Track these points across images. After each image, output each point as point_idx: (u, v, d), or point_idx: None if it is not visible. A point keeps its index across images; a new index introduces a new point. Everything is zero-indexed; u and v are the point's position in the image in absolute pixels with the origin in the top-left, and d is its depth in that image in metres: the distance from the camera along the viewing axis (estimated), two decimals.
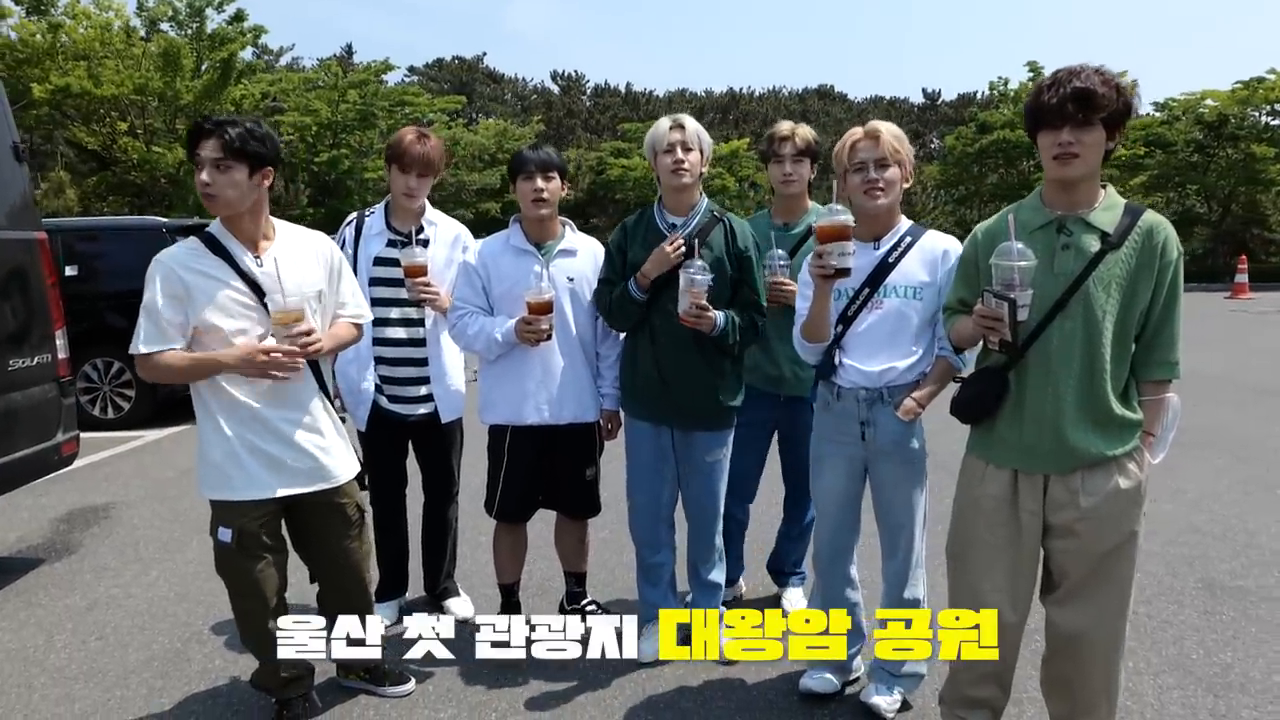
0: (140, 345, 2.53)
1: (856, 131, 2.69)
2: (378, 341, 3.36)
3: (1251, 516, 4.72)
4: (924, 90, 57.73)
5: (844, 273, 2.53)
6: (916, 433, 2.71)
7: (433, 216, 3.49)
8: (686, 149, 2.98)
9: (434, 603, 3.70)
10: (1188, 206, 28.93)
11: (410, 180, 3.31)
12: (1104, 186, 2.26)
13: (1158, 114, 28.84)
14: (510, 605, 3.40)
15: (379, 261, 3.35)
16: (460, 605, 3.66)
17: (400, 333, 3.38)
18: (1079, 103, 2.09)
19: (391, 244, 3.37)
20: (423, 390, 3.41)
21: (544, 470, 3.27)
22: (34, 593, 4.00)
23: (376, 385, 3.38)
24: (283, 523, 2.76)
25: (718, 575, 3.26)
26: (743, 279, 3.05)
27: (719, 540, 3.25)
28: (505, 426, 3.20)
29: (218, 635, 3.48)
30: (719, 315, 2.92)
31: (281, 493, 2.65)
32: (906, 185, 2.71)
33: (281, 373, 2.55)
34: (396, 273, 3.30)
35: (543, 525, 3.49)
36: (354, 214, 3.53)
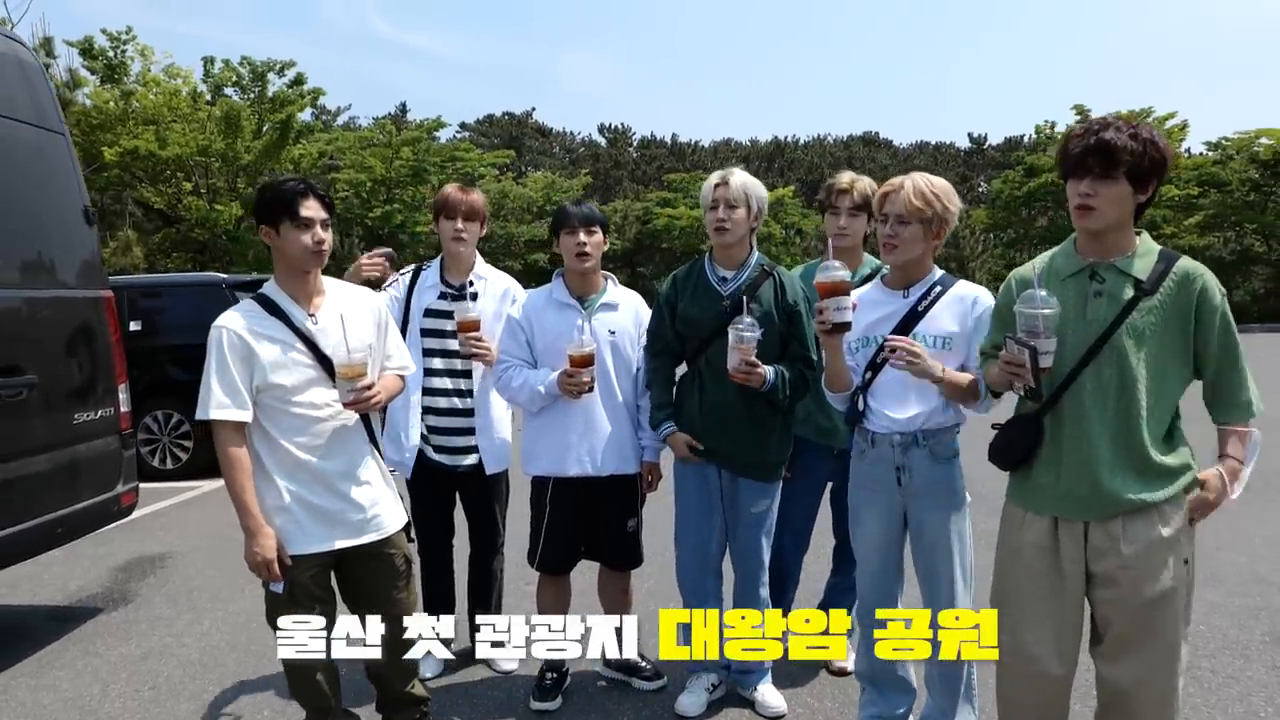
0: (212, 411, 2.56)
1: (891, 183, 2.69)
2: (426, 392, 3.43)
3: None
4: (969, 135, 57.55)
5: (843, 327, 2.56)
6: (954, 476, 2.67)
7: (482, 271, 3.57)
8: (731, 206, 3.01)
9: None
10: (1246, 245, 28.30)
11: (457, 223, 3.41)
12: (1139, 234, 2.24)
13: (1210, 153, 28.37)
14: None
15: (430, 313, 3.45)
16: (504, 658, 3.65)
17: (448, 383, 3.45)
18: (1098, 155, 2.09)
19: (443, 296, 3.46)
20: (468, 441, 3.46)
21: (586, 521, 3.28)
22: (92, 641, 4.10)
23: (423, 435, 3.44)
24: (331, 574, 2.81)
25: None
26: (792, 333, 3.06)
27: (764, 592, 3.22)
28: (547, 478, 3.23)
29: (267, 686, 3.53)
30: (769, 370, 2.93)
31: (337, 545, 2.70)
32: (937, 242, 2.67)
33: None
34: (446, 324, 3.38)
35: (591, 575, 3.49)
36: (413, 265, 3.63)
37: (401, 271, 3.60)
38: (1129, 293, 2.16)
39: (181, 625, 4.26)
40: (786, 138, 56.68)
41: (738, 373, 2.85)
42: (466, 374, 3.46)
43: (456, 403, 3.46)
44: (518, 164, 41.39)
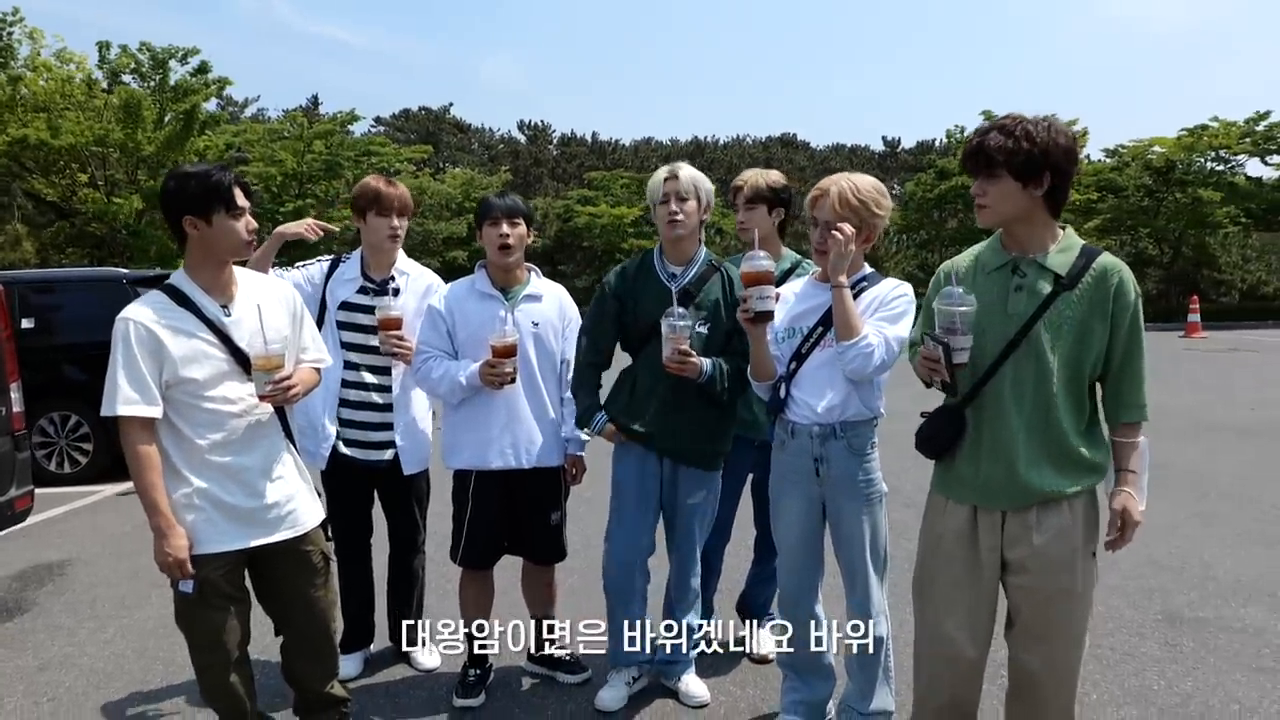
0: (120, 406, 2.45)
1: (819, 186, 2.70)
2: (343, 385, 3.34)
3: (1208, 549, 4.82)
4: (884, 138, 59.21)
5: (765, 316, 2.62)
6: (870, 469, 2.73)
7: (404, 266, 3.48)
8: (681, 199, 3.01)
9: (399, 653, 3.63)
10: (1140, 249, 29.72)
11: (393, 220, 3.33)
12: (1063, 228, 2.30)
13: (1108, 160, 29.78)
14: (477, 654, 3.35)
15: (347, 306, 3.35)
16: (426, 656, 3.60)
17: (367, 378, 3.36)
18: (975, 157, 2.21)
19: (363, 290, 3.37)
20: (383, 436, 3.37)
21: (509, 516, 3.25)
22: None
23: (337, 430, 3.35)
24: (245, 572, 2.72)
25: (694, 618, 3.25)
26: (737, 328, 2.99)
27: (695, 582, 3.25)
28: (469, 471, 3.20)
29: (177, 693, 3.39)
30: (706, 362, 2.94)
31: (251, 544, 2.61)
32: (866, 245, 2.70)
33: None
34: (363, 319, 3.31)
35: (513, 572, 3.47)
36: (330, 255, 3.53)
37: (317, 259, 3.49)
38: (1048, 287, 2.21)
39: (83, 634, 4.06)
40: (706, 138, 57.17)
41: (671, 363, 2.86)
42: (385, 370, 3.38)
43: (375, 398, 3.37)
44: (436, 160, 40.69)
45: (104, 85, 20.61)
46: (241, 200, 2.57)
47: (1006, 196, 2.20)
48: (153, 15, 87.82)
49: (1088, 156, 33.00)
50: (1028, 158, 2.15)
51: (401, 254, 3.49)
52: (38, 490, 4.55)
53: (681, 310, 2.88)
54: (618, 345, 3.22)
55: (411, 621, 3.61)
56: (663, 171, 3.08)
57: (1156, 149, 28.15)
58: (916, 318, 2.62)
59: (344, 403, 3.36)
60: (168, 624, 3.12)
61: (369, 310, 3.31)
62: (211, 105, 23.21)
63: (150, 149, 19.74)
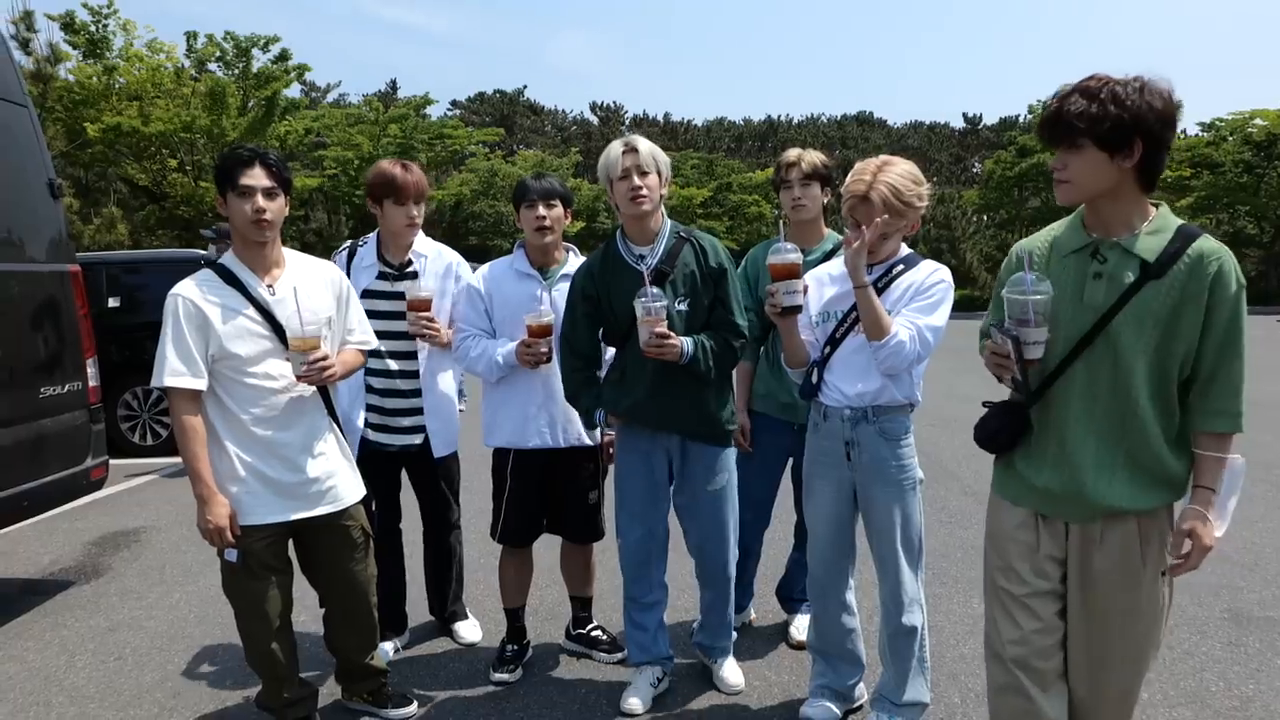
0: (166, 378, 2.56)
1: (852, 188, 2.58)
2: (367, 373, 3.31)
3: None
4: (965, 115, 57.40)
5: (794, 310, 2.56)
6: (904, 455, 2.67)
7: (421, 248, 3.42)
8: (643, 173, 2.83)
9: (442, 627, 3.72)
10: (1238, 228, 28.34)
11: (411, 209, 3.27)
12: (1157, 205, 1.99)
13: (1204, 134, 28.34)
14: (516, 630, 3.41)
15: (368, 294, 3.27)
16: (468, 629, 3.67)
17: (390, 364, 3.33)
18: (1054, 126, 1.91)
19: (382, 276, 3.34)
20: (413, 421, 3.36)
21: (547, 494, 3.29)
22: (61, 614, 4.11)
23: (365, 419, 3.34)
24: (289, 544, 2.81)
25: (729, 610, 3.19)
26: (718, 297, 2.91)
27: (731, 569, 3.12)
28: (508, 450, 3.23)
29: (231, 657, 3.54)
30: (686, 342, 2.80)
31: (292, 518, 2.71)
32: (912, 231, 2.63)
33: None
34: (386, 305, 3.28)
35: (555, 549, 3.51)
36: (347, 243, 3.50)
37: (338, 251, 3.48)
38: (1132, 275, 1.91)
39: (152, 599, 4.27)
40: (780, 117, 56.45)
41: (650, 348, 2.73)
42: (410, 355, 3.35)
43: (399, 384, 3.34)
44: (509, 142, 41.16)
45: (191, 74, 21.40)
46: (248, 179, 2.59)
47: (1091, 169, 1.90)
48: (239, 4, 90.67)
49: (1183, 131, 31.50)
50: (1116, 124, 1.84)
51: (419, 235, 3.42)
52: (121, 461, 4.77)
53: (655, 291, 2.74)
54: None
55: (453, 597, 3.69)
56: (618, 145, 2.88)
57: (1258, 121, 26.68)
58: (989, 306, 2.29)
59: (370, 389, 3.34)
60: None
61: (389, 296, 3.29)
62: (294, 92, 23.87)
63: (234, 135, 20.42)
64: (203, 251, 8.90)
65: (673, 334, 2.76)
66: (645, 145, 2.87)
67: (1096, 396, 1.97)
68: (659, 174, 2.88)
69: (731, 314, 2.92)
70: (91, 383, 4.47)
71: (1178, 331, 1.90)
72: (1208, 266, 1.88)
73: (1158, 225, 1.94)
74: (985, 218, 34.00)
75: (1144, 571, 2.01)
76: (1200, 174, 27.53)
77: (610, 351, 3.11)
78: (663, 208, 2.96)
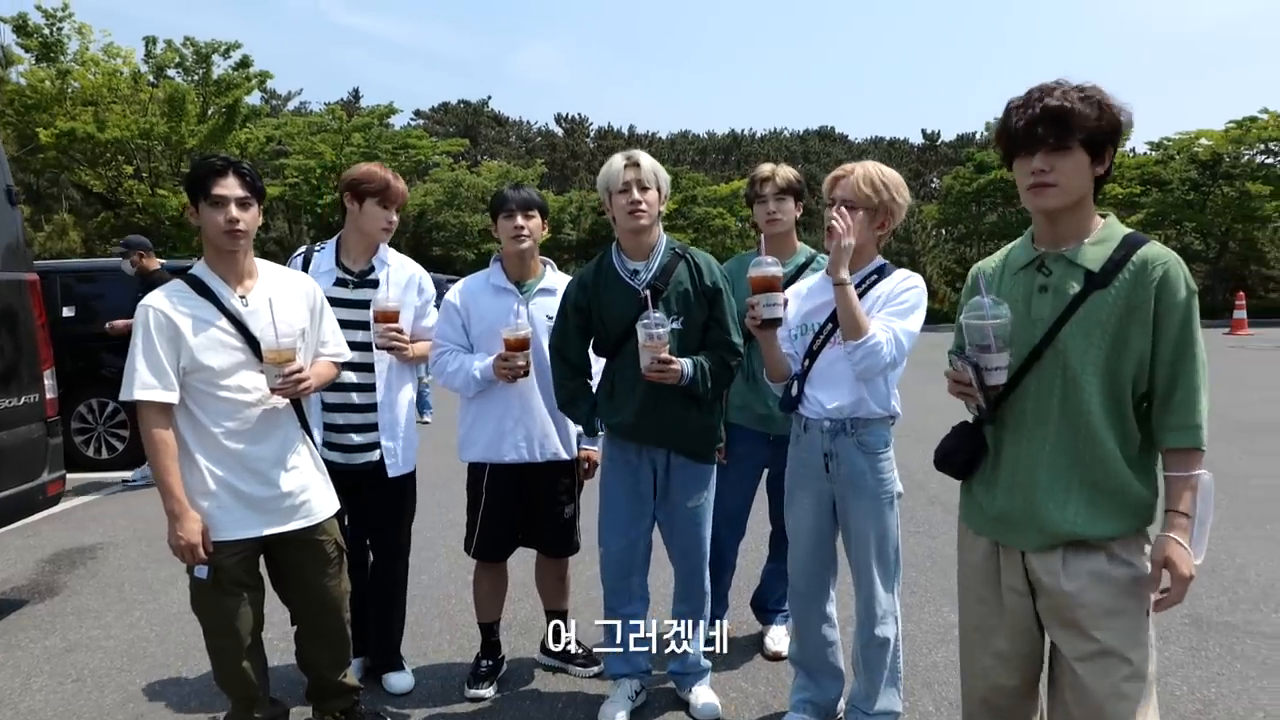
0: (136, 391, 2.49)
1: (843, 168, 2.67)
2: None
3: (1241, 552, 4.69)
4: (923, 131, 58.41)
5: (774, 323, 2.57)
6: (882, 468, 2.68)
7: (385, 256, 3.26)
8: (643, 187, 2.83)
9: (371, 670, 3.35)
10: (1185, 244, 29.13)
11: (391, 215, 3.18)
12: (1104, 216, 1.96)
13: (1153, 153, 29.17)
14: (490, 645, 3.37)
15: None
16: (402, 680, 3.31)
17: (348, 376, 3.10)
18: (1051, 124, 1.80)
19: (340, 283, 3.16)
20: (362, 439, 3.16)
21: (522, 508, 3.26)
22: (14, 634, 3.98)
23: (321, 436, 3.12)
24: (261, 561, 2.76)
25: (704, 628, 3.13)
26: (713, 315, 2.91)
27: (706, 586, 3.11)
28: (483, 464, 3.21)
29: (196, 676, 3.46)
30: (686, 364, 2.78)
31: (265, 533, 2.65)
32: (881, 233, 2.67)
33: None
34: (344, 314, 3.06)
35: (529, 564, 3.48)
36: (302, 249, 3.33)
37: (294, 255, 3.32)
38: (1076, 286, 1.87)
39: (110, 617, 4.15)
40: (743, 131, 57.02)
41: (651, 372, 2.71)
42: (368, 367, 3.15)
43: (354, 398, 3.14)
44: (473, 152, 41.00)
45: (149, 79, 21.05)
46: (221, 189, 2.55)
47: (1077, 174, 1.84)
48: (200, 11, 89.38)
49: (1132, 149, 32.34)
50: (1109, 127, 1.82)
51: (383, 244, 3.27)
52: (76, 475, 4.65)
53: (659, 316, 2.71)
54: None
55: (396, 634, 3.40)
56: (620, 158, 2.88)
57: (1204, 141, 27.51)
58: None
59: (324, 405, 3.13)
60: (190, 609, 3.18)
61: (348, 304, 3.12)
62: (255, 99, 23.62)
63: (193, 142, 20.14)
64: (161, 261, 8.72)
65: (674, 359, 2.75)
66: (648, 160, 2.88)
67: (1048, 412, 1.91)
68: (659, 190, 2.89)
69: (728, 333, 2.91)
70: (49, 395, 4.35)
71: (1127, 342, 1.84)
72: (1152, 272, 1.83)
73: (1103, 235, 1.91)
74: (944, 232, 34.58)
75: (1122, 606, 1.86)
76: (1149, 191, 28.28)
77: (601, 362, 3.10)
78: (660, 224, 2.97)
